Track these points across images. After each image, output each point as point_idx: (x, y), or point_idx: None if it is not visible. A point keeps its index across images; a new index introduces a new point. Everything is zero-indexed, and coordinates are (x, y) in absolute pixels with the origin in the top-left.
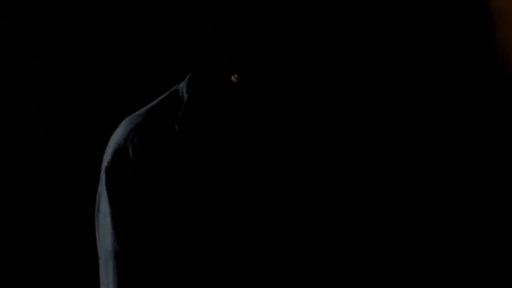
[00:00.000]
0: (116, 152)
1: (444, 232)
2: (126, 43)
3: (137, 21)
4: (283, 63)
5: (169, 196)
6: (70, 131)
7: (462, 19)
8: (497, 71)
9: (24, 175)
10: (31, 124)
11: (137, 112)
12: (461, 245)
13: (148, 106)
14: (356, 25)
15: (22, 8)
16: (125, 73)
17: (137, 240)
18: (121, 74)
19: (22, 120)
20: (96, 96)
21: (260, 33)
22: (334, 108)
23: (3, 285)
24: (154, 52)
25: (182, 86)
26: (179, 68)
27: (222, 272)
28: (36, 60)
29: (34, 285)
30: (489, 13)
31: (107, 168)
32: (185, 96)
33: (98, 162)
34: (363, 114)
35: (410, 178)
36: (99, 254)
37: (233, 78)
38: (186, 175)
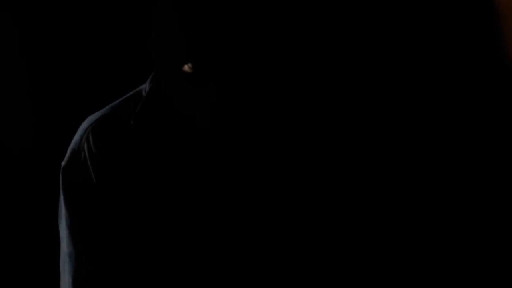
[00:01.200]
0: (72, 151)
1: (441, 230)
2: (112, 44)
3: (123, 22)
4: (235, 51)
5: (122, 195)
6: (57, 134)
7: (466, 17)
8: (501, 69)
9: (11, 179)
10: (17, 127)
11: (98, 111)
12: (458, 243)
13: (109, 105)
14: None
15: (9, 8)
16: (111, 74)
17: (90, 242)
18: (107, 75)
19: (8, 123)
20: (83, 97)
21: (213, 21)
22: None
23: None
24: (140, 53)
25: (146, 84)
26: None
27: (183, 274)
28: (21, 61)
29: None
30: (494, 9)
31: (63, 168)
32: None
33: None
34: (321, 99)
35: (406, 176)
36: (60, 255)
37: (187, 67)
38: (139, 171)
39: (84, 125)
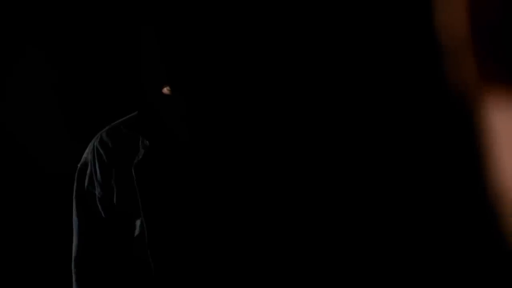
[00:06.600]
0: (83, 158)
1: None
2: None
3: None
4: (211, 74)
5: (121, 190)
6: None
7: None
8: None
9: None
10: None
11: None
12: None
13: (113, 123)
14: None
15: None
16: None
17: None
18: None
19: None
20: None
21: (191, 46)
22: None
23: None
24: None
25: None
26: None
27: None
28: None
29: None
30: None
31: (78, 170)
32: None
33: None
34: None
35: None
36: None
37: (166, 90)
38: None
39: (95, 138)
